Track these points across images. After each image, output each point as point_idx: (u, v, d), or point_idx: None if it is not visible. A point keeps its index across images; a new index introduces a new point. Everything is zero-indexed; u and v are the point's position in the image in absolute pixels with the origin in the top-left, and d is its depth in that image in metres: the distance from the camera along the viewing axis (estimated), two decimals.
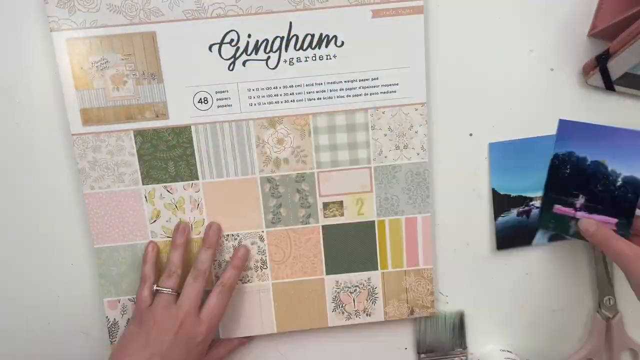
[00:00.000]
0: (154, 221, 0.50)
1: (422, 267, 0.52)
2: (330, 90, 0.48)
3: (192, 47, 0.47)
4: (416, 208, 0.51)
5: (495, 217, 0.51)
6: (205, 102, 0.48)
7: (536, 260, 0.53)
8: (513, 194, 0.51)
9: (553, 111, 0.50)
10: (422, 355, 0.54)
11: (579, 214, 0.49)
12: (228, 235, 0.50)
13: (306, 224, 0.51)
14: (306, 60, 0.47)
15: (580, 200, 0.49)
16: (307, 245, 0.51)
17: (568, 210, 0.49)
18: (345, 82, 0.48)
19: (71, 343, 0.53)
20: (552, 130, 0.51)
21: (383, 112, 0.49)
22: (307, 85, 0.48)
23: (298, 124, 0.49)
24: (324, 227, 0.51)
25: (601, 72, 0.47)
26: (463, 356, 0.54)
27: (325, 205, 0.50)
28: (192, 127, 0.48)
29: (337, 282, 0.52)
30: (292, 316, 0.52)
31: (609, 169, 0.48)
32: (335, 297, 0.52)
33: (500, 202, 0.51)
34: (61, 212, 0.50)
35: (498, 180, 0.51)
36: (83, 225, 0.50)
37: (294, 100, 0.48)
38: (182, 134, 0.48)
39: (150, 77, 0.47)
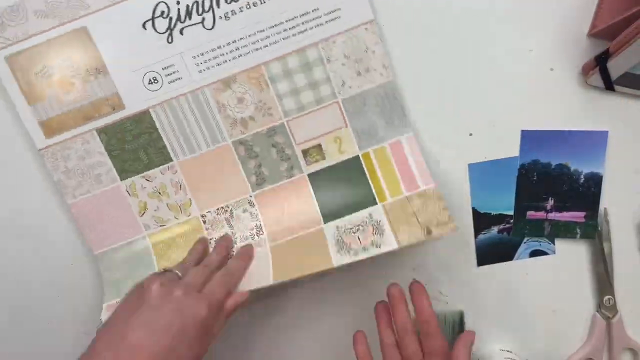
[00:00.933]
0: (143, 213, 0.49)
1: (424, 188, 0.49)
2: (275, 34, 0.47)
3: (126, 30, 0.46)
4: (396, 131, 0.49)
5: (476, 235, 0.52)
6: (155, 81, 0.47)
7: (536, 260, 0.53)
8: (493, 212, 0.52)
9: (553, 111, 0.50)
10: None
11: (550, 215, 0.51)
12: (218, 208, 0.50)
13: (291, 177, 0.50)
14: (241, 11, 0.46)
15: (550, 202, 0.51)
16: (298, 199, 0.50)
17: (540, 214, 0.51)
18: (286, 22, 0.46)
19: (71, 343, 0.53)
20: (551, 130, 0.51)
21: (334, 42, 0.47)
22: (249, 36, 0.47)
23: (252, 77, 0.47)
24: (309, 175, 0.50)
25: (601, 72, 0.47)
26: None
27: (305, 153, 0.49)
28: (151, 111, 0.48)
29: (338, 227, 0.49)
30: (292, 266, 0.48)
31: (572, 169, 0.51)
32: (339, 240, 0.48)
33: (481, 221, 0.52)
34: (54, 221, 0.50)
35: (478, 200, 0.52)
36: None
37: (241, 55, 0.47)
38: (143, 120, 0.48)
39: (95, 72, 0.47)
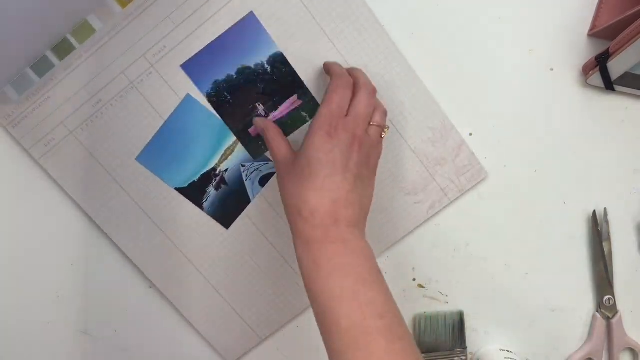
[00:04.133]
0: None
1: None
2: None
3: None
4: None
5: (202, 208, 0.50)
6: None
7: (536, 260, 0.53)
8: (195, 180, 0.50)
9: (553, 111, 0.50)
10: (422, 355, 0.54)
11: (271, 118, 0.49)
12: None
13: None
14: None
15: (260, 108, 0.49)
16: None
17: (260, 123, 0.48)
18: None
19: (71, 343, 0.53)
20: (551, 130, 0.51)
21: None
22: None
23: None
24: None
25: (601, 72, 0.47)
26: (463, 356, 0.54)
27: None
28: None
29: None
30: None
31: (252, 65, 0.47)
32: None
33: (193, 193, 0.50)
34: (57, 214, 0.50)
35: (171, 179, 0.50)
36: (82, 224, 0.50)
37: None
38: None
39: None
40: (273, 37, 0.47)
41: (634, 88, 0.48)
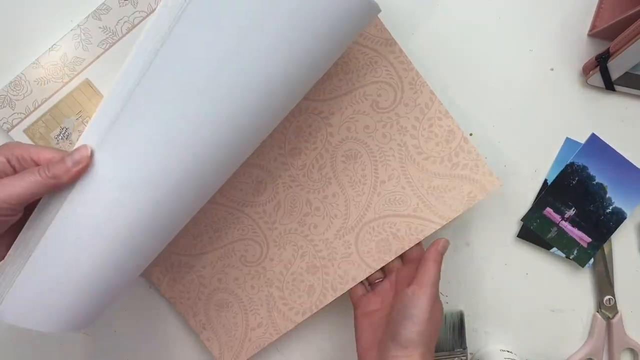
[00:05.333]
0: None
1: None
2: None
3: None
4: None
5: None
6: None
7: (536, 260, 0.53)
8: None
9: (553, 111, 0.50)
10: None
11: (562, 224, 0.51)
12: None
13: None
14: None
15: (570, 212, 0.51)
16: None
17: (555, 217, 0.51)
18: None
19: (71, 343, 0.53)
20: (551, 130, 0.51)
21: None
22: None
23: None
24: None
25: (601, 72, 0.47)
26: (463, 356, 0.54)
27: None
28: None
29: None
30: None
31: (607, 195, 0.50)
32: None
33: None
34: None
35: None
36: None
37: None
38: None
39: None
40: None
41: (634, 88, 0.48)
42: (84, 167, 0.36)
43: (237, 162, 0.41)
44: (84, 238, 0.37)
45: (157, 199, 0.37)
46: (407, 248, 0.48)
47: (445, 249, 0.46)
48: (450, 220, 0.48)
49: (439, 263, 0.45)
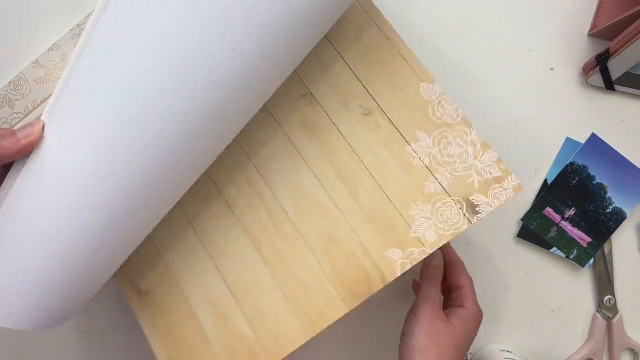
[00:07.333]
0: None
1: None
2: None
3: None
4: None
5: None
6: None
7: (536, 260, 0.53)
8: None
9: (553, 111, 0.50)
10: None
11: (562, 223, 0.51)
12: None
13: None
14: None
15: (570, 212, 0.51)
16: None
17: (556, 217, 0.51)
18: None
19: (71, 343, 0.53)
20: (551, 130, 0.51)
21: None
22: None
23: None
24: None
25: (601, 72, 0.47)
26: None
27: None
28: None
29: None
30: None
31: (607, 195, 0.50)
32: None
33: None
34: None
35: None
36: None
37: None
38: None
39: None
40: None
41: (634, 88, 0.48)
42: (35, 140, 0.35)
43: (201, 144, 0.37)
44: (33, 219, 0.35)
45: (109, 178, 0.35)
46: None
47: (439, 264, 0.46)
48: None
49: (432, 278, 0.45)
